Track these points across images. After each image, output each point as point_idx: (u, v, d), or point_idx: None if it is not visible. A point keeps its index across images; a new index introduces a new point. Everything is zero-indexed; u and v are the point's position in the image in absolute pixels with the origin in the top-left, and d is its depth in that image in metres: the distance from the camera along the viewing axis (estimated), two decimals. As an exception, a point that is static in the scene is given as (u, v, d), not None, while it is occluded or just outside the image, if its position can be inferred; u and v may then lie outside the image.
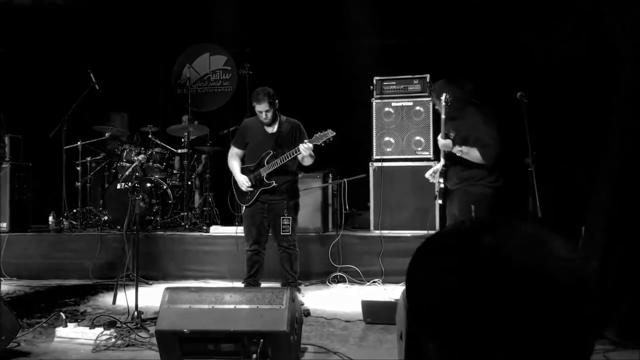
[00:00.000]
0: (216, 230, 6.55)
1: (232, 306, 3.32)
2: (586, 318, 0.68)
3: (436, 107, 4.85)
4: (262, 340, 3.20)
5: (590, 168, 4.30)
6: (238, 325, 3.24)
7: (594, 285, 0.70)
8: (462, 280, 0.69)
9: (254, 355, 3.21)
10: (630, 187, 3.73)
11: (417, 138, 6.38)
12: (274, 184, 5.02)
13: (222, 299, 3.36)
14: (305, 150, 4.82)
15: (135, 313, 4.22)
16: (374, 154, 6.46)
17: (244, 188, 5.09)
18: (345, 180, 6.39)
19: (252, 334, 3.22)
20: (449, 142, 4.48)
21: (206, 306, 3.34)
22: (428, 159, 6.22)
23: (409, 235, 6.02)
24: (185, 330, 3.26)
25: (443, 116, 4.57)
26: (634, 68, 3.89)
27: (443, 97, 4.51)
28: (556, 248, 0.70)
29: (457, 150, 4.45)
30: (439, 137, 4.63)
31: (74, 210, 7.11)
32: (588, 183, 4.27)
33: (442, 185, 4.59)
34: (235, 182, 5.19)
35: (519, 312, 0.66)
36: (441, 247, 0.76)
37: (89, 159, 7.30)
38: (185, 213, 6.95)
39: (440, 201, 4.73)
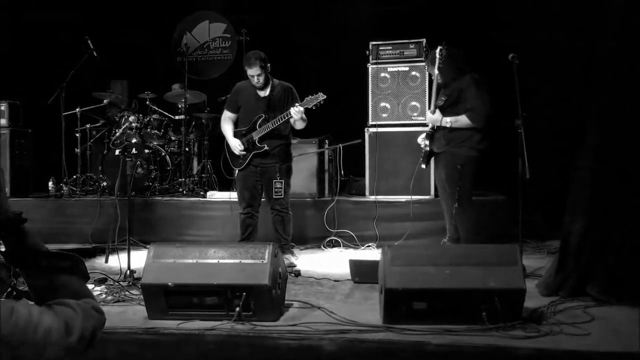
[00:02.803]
0: (213, 195, 6.62)
1: (215, 261, 3.39)
2: None
3: (430, 73, 4.87)
4: (244, 294, 3.28)
5: (579, 131, 4.28)
6: (221, 279, 3.31)
7: None
8: None
9: (237, 308, 3.29)
10: (612, 155, 3.72)
11: (413, 103, 6.36)
12: (266, 148, 5.05)
13: (206, 253, 3.43)
14: (296, 113, 4.84)
15: (128, 272, 4.31)
16: (370, 120, 6.46)
17: (236, 152, 5.13)
18: (341, 145, 6.40)
19: (234, 287, 3.30)
20: (437, 116, 4.56)
21: (190, 261, 3.41)
22: (424, 125, 6.20)
23: (404, 200, 6.04)
24: (169, 283, 3.33)
25: (436, 71, 4.59)
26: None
27: (437, 50, 4.54)
28: None
29: (446, 122, 4.52)
30: (428, 112, 4.71)
31: (74, 177, 7.20)
32: (576, 145, 4.25)
33: (427, 149, 4.65)
34: (228, 145, 5.23)
35: None
36: None
37: (88, 126, 7.35)
38: (183, 179, 7.01)
39: (424, 165, 4.78)
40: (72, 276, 1.24)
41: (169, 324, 3.32)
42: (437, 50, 4.53)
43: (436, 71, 4.55)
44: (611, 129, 3.67)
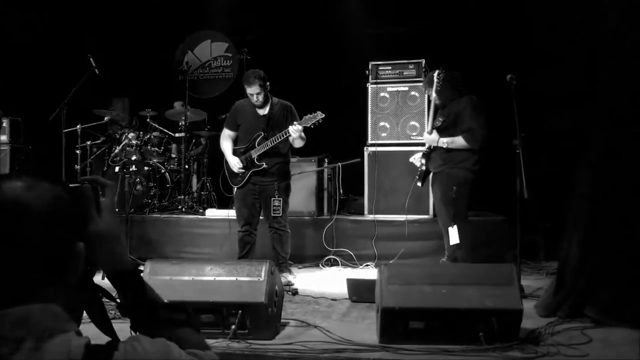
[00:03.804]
0: (212, 213, 6.61)
1: (212, 278, 3.38)
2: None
3: (428, 95, 4.93)
4: (240, 311, 3.26)
5: (579, 152, 4.30)
6: (217, 297, 3.30)
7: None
8: None
9: (233, 326, 3.27)
10: (611, 173, 3.73)
11: (412, 123, 6.40)
12: (265, 166, 5.07)
13: (202, 271, 3.43)
14: (294, 132, 4.86)
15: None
16: (369, 139, 6.49)
17: (235, 169, 5.14)
18: (340, 164, 6.42)
19: (230, 305, 3.28)
20: (434, 137, 4.62)
21: (187, 278, 3.40)
22: (423, 144, 6.23)
23: (402, 219, 6.04)
24: (165, 300, 3.31)
25: (434, 94, 4.65)
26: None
27: (435, 74, 4.59)
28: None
29: (442, 143, 4.56)
30: (425, 133, 4.76)
31: (74, 193, 7.18)
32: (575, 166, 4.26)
33: (423, 168, 4.69)
34: (227, 163, 5.24)
35: None
36: None
37: (88, 143, 7.37)
38: (183, 197, 7.01)
39: (419, 183, 4.82)
40: (190, 329, 1.21)
41: (164, 342, 3.30)
42: (435, 74, 4.59)
43: (434, 94, 4.61)
44: (611, 146, 3.68)
